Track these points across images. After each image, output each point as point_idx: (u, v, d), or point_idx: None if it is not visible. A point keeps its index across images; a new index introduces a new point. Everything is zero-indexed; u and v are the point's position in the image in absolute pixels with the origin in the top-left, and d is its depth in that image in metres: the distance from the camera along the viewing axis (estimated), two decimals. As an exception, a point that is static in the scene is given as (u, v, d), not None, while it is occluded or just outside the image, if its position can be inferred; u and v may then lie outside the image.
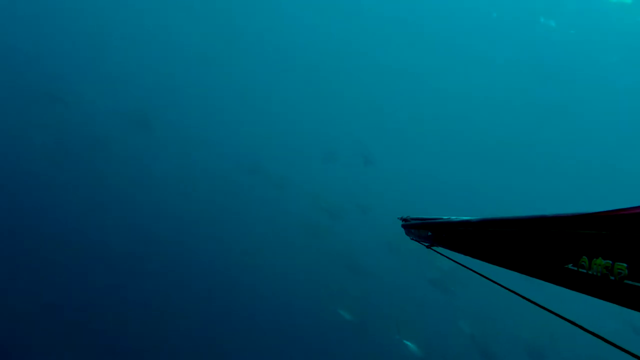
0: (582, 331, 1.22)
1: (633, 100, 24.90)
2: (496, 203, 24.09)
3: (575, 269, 1.09)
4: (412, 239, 2.55)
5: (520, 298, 1.54)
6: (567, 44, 25.54)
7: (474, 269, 1.87)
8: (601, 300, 1.01)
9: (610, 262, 0.98)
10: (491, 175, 29.11)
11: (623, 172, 25.35)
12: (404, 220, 2.64)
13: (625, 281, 0.93)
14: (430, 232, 2.14)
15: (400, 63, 30.32)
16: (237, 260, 21.04)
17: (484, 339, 17.77)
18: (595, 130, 26.53)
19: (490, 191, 27.67)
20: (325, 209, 23.03)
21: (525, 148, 29.13)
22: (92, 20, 28.96)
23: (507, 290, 1.65)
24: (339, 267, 20.82)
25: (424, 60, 30.11)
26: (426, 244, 2.29)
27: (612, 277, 0.97)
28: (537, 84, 27.90)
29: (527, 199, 25.78)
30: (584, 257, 1.06)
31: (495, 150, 29.60)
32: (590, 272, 1.03)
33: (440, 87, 30.52)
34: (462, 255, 1.79)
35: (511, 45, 27.13)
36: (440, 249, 2.14)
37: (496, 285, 1.75)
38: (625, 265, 0.94)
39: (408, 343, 16.53)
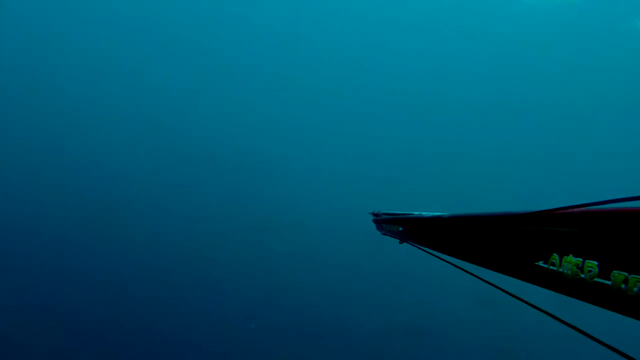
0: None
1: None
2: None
3: (546, 266, 1.08)
4: (383, 234, 2.53)
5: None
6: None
7: (451, 262, 1.86)
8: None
9: (581, 260, 0.97)
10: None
11: (598, 168, 25.28)
12: (375, 215, 2.62)
13: (596, 279, 0.93)
14: (401, 228, 2.13)
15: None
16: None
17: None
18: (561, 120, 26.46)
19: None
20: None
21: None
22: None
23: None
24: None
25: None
26: (398, 239, 2.28)
27: (582, 275, 0.96)
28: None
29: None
30: (554, 254, 1.05)
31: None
32: (560, 270, 1.02)
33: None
34: (433, 251, 1.78)
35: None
36: (412, 244, 2.13)
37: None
38: (595, 263, 0.93)
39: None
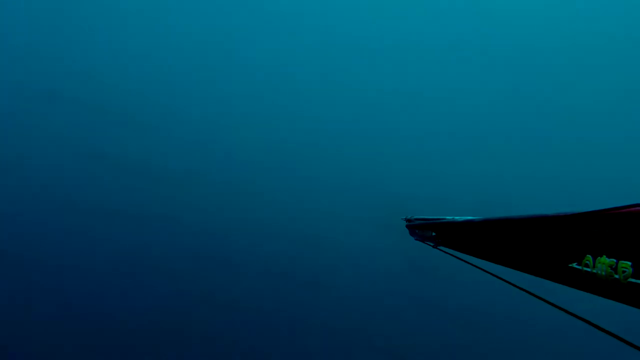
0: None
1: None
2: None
3: (580, 267, 1.08)
4: (416, 240, 2.53)
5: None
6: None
7: (480, 267, 1.85)
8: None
9: (615, 260, 0.96)
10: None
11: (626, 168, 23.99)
12: (407, 220, 2.62)
13: (630, 279, 0.92)
14: (434, 233, 2.13)
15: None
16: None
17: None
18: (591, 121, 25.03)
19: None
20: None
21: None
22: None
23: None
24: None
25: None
26: (431, 244, 2.28)
27: (616, 276, 0.96)
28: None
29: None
30: (588, 255, 1.05)
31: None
32: (594, 271, 1.02)
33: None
34: (466, 255, 1.78)
35: None
36: (445, 249, 2.13)
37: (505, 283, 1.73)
38: (629, 263, 0.93)
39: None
